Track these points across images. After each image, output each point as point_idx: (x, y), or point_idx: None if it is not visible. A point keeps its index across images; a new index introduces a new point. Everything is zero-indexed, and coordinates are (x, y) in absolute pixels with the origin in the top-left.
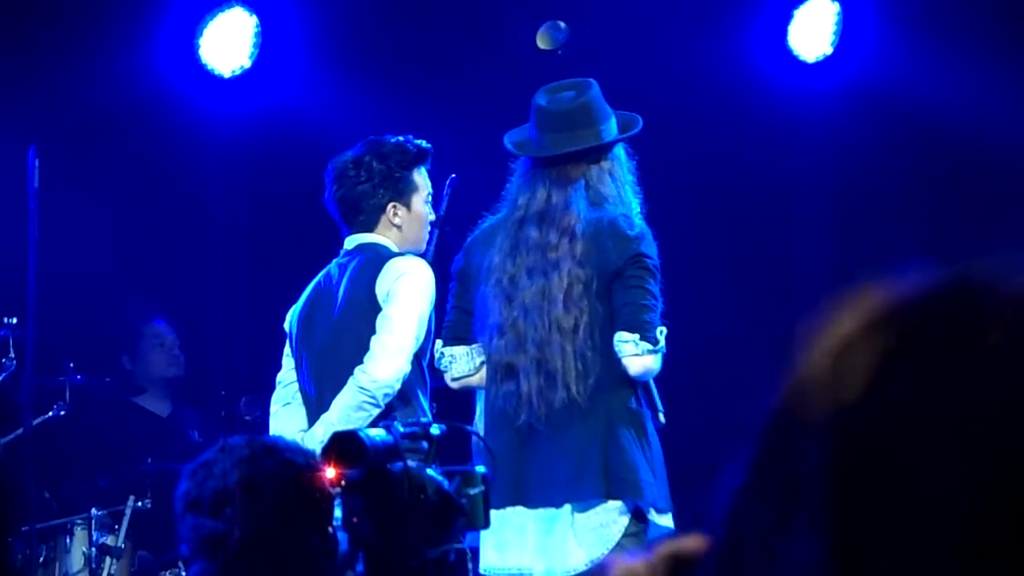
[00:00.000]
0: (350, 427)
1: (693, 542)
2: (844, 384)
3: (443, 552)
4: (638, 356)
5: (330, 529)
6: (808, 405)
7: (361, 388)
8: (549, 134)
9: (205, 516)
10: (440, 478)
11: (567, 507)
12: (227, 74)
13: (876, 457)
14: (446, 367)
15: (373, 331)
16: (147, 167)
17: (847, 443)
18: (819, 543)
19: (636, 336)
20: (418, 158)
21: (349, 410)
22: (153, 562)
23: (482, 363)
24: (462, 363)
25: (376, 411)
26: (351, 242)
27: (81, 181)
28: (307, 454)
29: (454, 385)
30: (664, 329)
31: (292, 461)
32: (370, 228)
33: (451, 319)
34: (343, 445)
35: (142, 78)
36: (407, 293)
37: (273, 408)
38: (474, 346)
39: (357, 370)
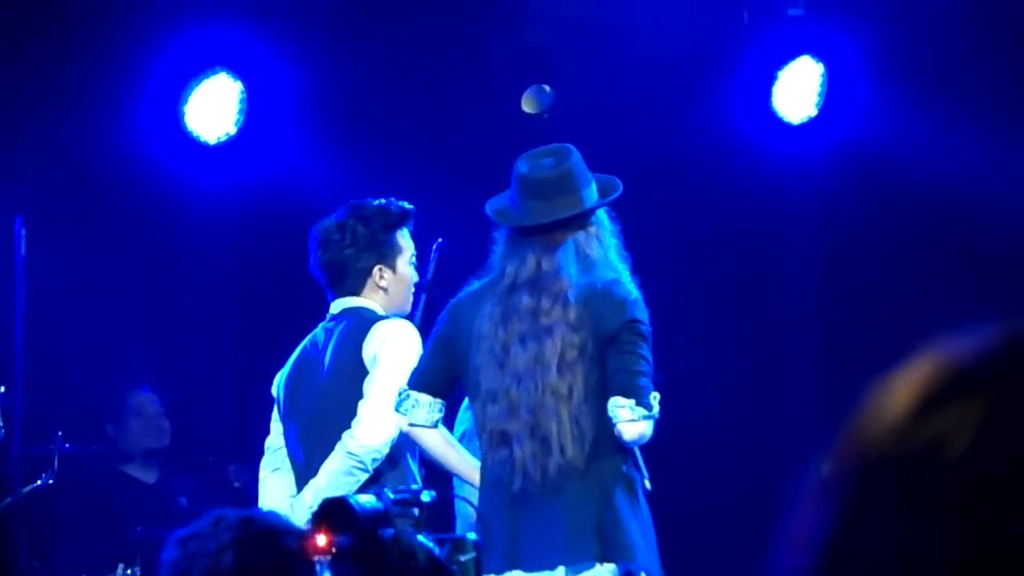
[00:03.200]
0: (339, 493)
1: None
2: (940, 445)
3: None
4: (634, 421)
5: None
6: (898, 462)
7: (349, 453)
8: (531, 202)
9: None
10: (431, 544)
11: (561, 569)
12: (212, 141)
13: (993, 511)
14: (406, 410)
15: (360, 395)
16: (133, 234)
17: (962, 502)
18: None
19: (632, 401)
20: (401, 219)
21: (338, 475)
22: None
23: (438, 420)
24: (423, 411)
25: (364, 476)
26: (337, 306)
27: (68, 249)
28: (299, 536)
29: (408, 431)
30: (658, 395)
31: (286, 548)
32: (356, 292)
33: (424, 367)
34: (333, 512)
35: (127, 145)
36: (394, 356)
37: (262, 474)
38: (438, 401)
39: (345, 435)
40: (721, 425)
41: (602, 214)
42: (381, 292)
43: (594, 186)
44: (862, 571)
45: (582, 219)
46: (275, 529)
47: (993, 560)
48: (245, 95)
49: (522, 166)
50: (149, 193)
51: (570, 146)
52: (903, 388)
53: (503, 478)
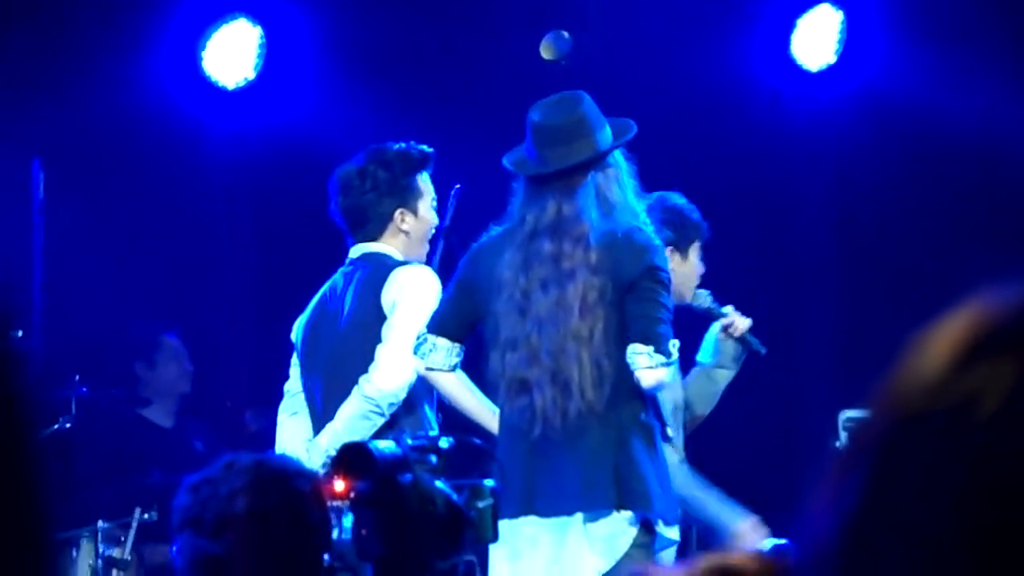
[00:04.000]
0: (355, 437)
1: (737, 558)
2: (974, 402)
3: (452, 564)
4: (652, 368)
5: (327, 558)
6: (931, 418)
7: (366, 397)
8: (547, 149)
9: (205, 537)
10: (449, 490)
11: (578, 516)
12: (231, 86)
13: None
14: (424, 354)
15: (379, 341)
16: (151, 179)
17: (995, 458)
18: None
19: (650, 348)
20: (421, 163)
21: (354, 419)
22: (160, 570)
23: (456, 364)
24: (440, 355)
25: (381, 420)
26: (356, 251)
27: (86, 193)
28: (311, 478)
29: (425, 374)
30: (677, 342)
31: (299, 490)
32: (377, 236)
33: (443, 312)
34: (352, 457)
35: (146, 90)
36: (413, 301)
37: (280, 417)
38: (456, 345)
39: (362, 379)
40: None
41: (619, 155)
42: (402, 236)
43: (608, 129)
44: (895, 527)
45: (599, 161)
46: (287, 472)
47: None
48: (264, 40)
49: (535, 115)
50: (168, 138)
51: (581, 92)
52: (938, 345)
53: (522, 426)
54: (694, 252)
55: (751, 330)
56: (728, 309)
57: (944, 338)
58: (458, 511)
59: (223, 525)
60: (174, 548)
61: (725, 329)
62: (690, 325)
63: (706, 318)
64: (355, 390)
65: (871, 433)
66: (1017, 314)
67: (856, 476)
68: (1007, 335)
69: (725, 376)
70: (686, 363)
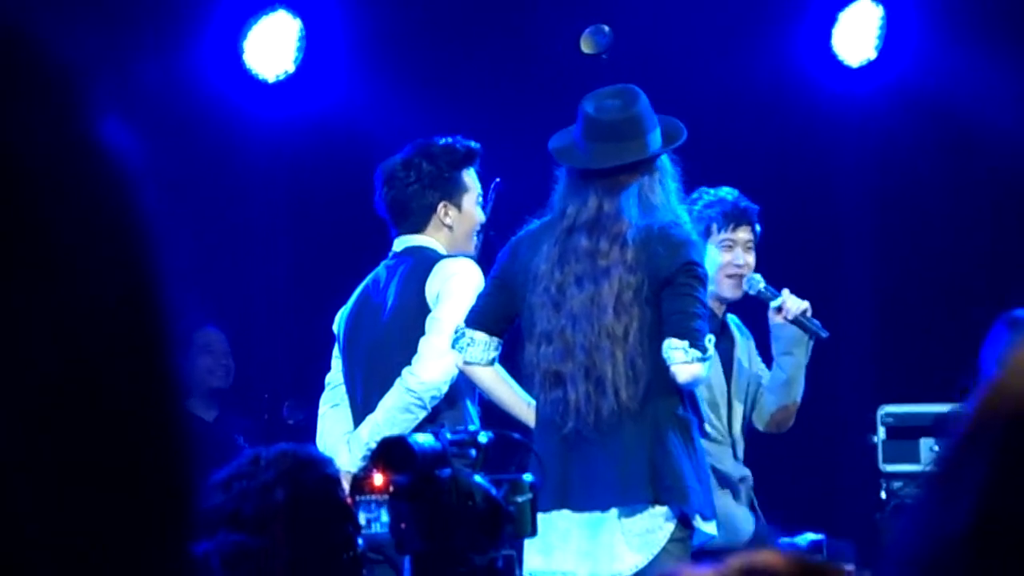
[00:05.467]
0: (396, 430)
1: (768, 557)
2: None
3: (490, 559)
4: (688, 363)
5: (360, 542)
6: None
7: (408, 390)
8: (597, 144)
9: (246, 532)
10: (488, 485)
11: (613, 511)
12: (271, 79)
13: None
14: (462, 348)
15: (422, 333)
16: (192, 171)
17: None
18: None
19: (686, 343)
20: (467, 158)
21: (395, 412)
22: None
23: (495, 359)
24: (478, 349)
25: (422, 413)
26: (400, 244)
27: (150, 175)
28: (332, 463)
29: (463, 368)
30: (713, 337)
31: (330, 476)
32: (420, 229)
33: (482, 306)
34: (391, 451)
35: (188, 82)
36: (457, 295)
37: (321, 409)
38: (495, 339)
39: (405, 371)
40: None
41: (665, 158)
42: (445, 230)
43: (658, 131)
44: (1018, 524)
45: (646, 164)
46: (313, 459)
47: None
48: (304, 32)
49: (588, 106)
50: (209, 130)
51: (637, 88)
52: None
53: (555, 419)
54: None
55: (810, 313)
56: (785, 292)
57: None
58: (497, 505)
59: (264, 519)
60: (205, 548)
61: (778, 311)
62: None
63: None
64: (397, 382)
65: (984, 432)
66: None
67: (972, 476)
68: None
69: (792, 363)
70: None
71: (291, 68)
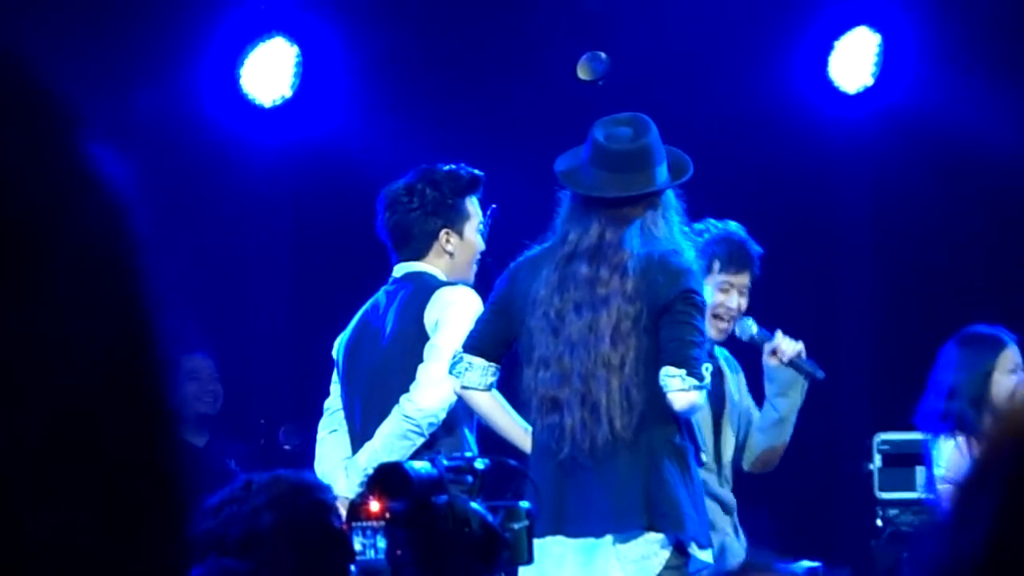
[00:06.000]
0: (393, 456)
1: None
2: None
3: None
4: (684, 391)
5: (353, 568)
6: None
7: (406, 416)
8: (603, 172)
9: (232, 557)
10: (484, 511)
11: (608, 537)
12: (268, 104)
13: None
14: (459, 373)
15: (421, 360)
16: (188, 196)
17: None
18: None
19: (683, 371)
20: (471, 186)
21: (393, 438)
22: None
23: (492, 384)
24: (476, 374)
25: (420, 440)
26: (400, 270)
27: (140, 201)
28: (329, 490)
29: (460, 393)
30: (710, 366)
31: (322, 502)
32: (421, 255)
33: (480, 331)
34: (387, 477)
35: (185, 108)
36: (455, 322)
37: (320, 435)
38: (492, 365)
39: (403, 398)
40: None
41: (670, 192)
42: (446, 257)
43: (665, 164)
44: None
45: (651, 197)
46: (307, 485)
47: None
48: (301, 59)
49: (599, 133)
50: (206, 155)
51: (648, 119)
52: None
53: (551, 444)
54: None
55: (806, 355)
56: (778, 334)
57: None
58: (493, 532)
59: (250, 542)
60: (196, 573)
61: (773, 353)
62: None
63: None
64: (395, 409)
65: (996, 464)
66: None
67: (984, 505)
68: None
69: (787, 404)
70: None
71: (288, 94)
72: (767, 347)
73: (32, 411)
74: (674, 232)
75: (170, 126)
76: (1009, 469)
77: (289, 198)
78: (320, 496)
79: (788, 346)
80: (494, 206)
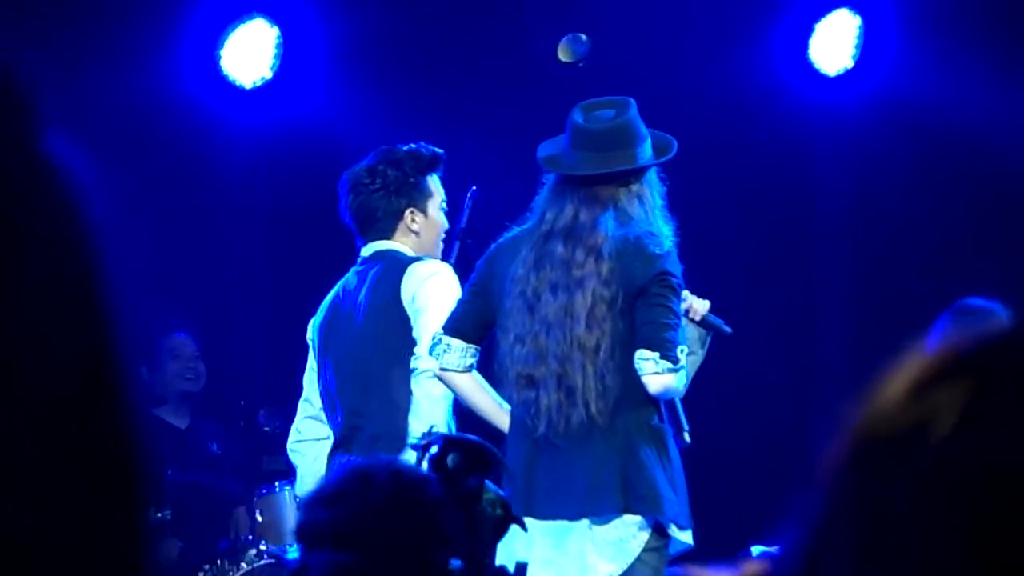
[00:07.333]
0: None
1: (757, 568)
2: (927, 426)
3: (503, 567)
4: (658, 374)
5: (457, 563)
6: (888, 442)
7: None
8: (582, 152)
9: (351, 551)
10: (502, 492)
11: (583, 521)
12: (248, 85)
13: (978, 490)
14: (438, 355)
15: (398, 336)
16: (167, 177)
17: (938, 483)
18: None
19: (656, 355)
20: (431, 164)
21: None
22: (175, 569)
23: (471, 365)
24: (455, 356)
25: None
26: (368, 250)
27: (101, 189)
28: (437, 484)
29: (440, 375)
30: (685, 348)
31: (436, 499)
32: (387, 235)
33: (460, 312)
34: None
35: (163, 88)
36: (438, 293)
37: (298, 417)
38: (471, 346)
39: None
40: (754, 376)
41: (652, 175)
42: (412, 236)
43: (648, 143)
44: (847, 548)
45: (628, 176)
46: (423, 481)
47: (980, 540)
48: (281, 40)
49: (578, 116)
50: (185, 135)
51: (631, 100)
52: (900, 372)
53: (526, 421)
54: None
55: (712, 310)
56: (685, 294)
57: (903, 368)
58: (510, 514)
59: (367, 537)
60: (305, 561)
61: (685, 314)
62: None
63: None
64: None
65: (833, 458)
66: (978, 343)
67: (816, 500)
68: (959, 364)
69: (693, 362)
70: None
71: (268, 75)
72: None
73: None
74: (653, 214)
75: (150, 107)
76: (835, 467)
77: (269, 178)
78: (432, 493)
79: (699, 304)
80: (474, 188)
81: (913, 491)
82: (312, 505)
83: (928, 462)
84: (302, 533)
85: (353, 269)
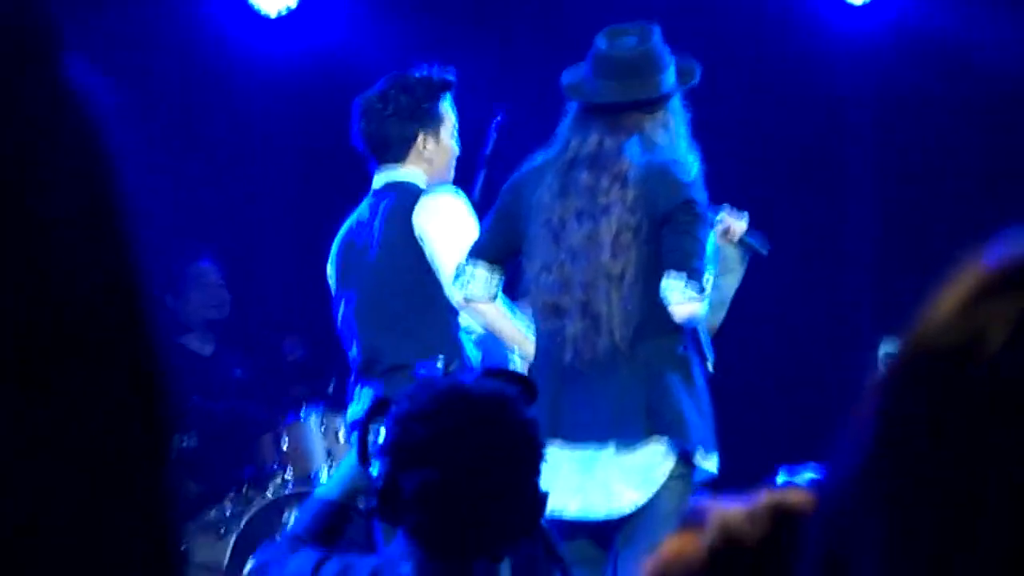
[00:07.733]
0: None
1: (798, 496)
2: (984, 339)
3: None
4: (684, 303)
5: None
6: (937, 361)
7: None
8: (606, 80)
9: (441, 469)
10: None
11: (610, 448)
12: (273, 14)
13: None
14: (463, 284)
15: (412, 269)
16: (192, 106)
17: (991, 398)
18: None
19: (682, 283)
20: (443, 88)
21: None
22: (199, 496)
23: (496, 293)
24: (479, 284)
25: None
26: (379, 180)
27: (126, 120)
28: (524, 403)
29: (464, 305)
30: (711, 276)
31: (527, 418)
32: (400, 160)
33: (483, 240)
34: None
35: (189, 17)
36: (451, 224)
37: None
38: (496, 274)
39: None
40: (780, 302)
41: (676, 102)
42: (425, 162)
43: (672, 70)
44: (904, 465)
45: (653, 104)
46: (504, 397)
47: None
48: None
49: (601, 42)
50: (209, 65)
51: (654, 26)
52: (952, 287)
53: (552, 349)
54: None
55: (749, 231)
56: (722, 214)
57: (956, 281)
58: (542, 445)
59: (464, 453)
60: (388, 481)
61: (724, 234)
62: None
63: None
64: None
65: (888, 374)
66: (1021, 257)
67: (869, 414)
68: (1012, 277)
69: (732, 282)
70: None
71: (293, 3)
72: (718, 228)
73: (13, 332)
74: (678, 142)
75: (177, 36)
76: (888, 382)
77: (293, 106)
78: (518, 408)
79: (737, 224)
80: (500, 115)
81: (966, 407)
82: (407, 422)
83: (981, 377)
84: (394, 450)
85: (365, 201)
